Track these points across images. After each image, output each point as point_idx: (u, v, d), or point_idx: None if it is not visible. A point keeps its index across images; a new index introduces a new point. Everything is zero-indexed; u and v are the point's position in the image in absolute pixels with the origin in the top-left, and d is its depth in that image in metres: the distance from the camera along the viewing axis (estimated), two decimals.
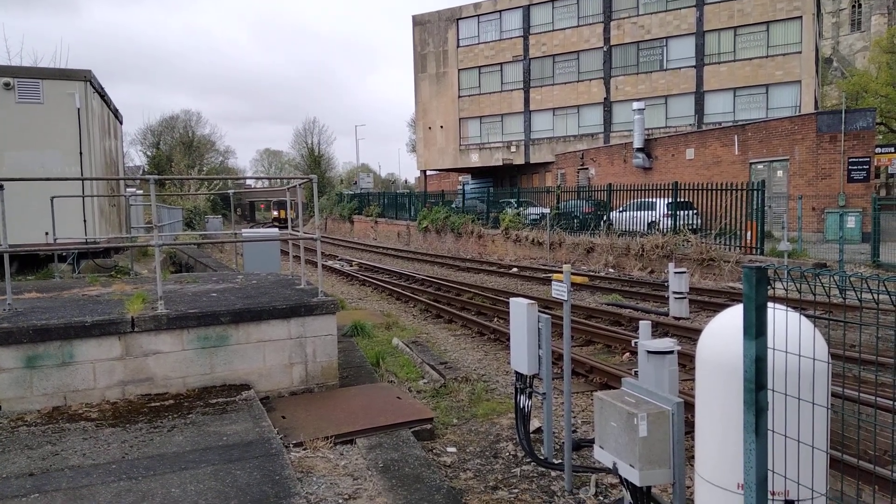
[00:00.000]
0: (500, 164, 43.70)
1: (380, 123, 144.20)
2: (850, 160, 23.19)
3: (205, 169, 66.36)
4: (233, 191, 17.91)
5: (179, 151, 65.07)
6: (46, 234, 10.76)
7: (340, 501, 4.43)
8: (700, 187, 19.76)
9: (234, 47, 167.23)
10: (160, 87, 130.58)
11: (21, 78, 12.12)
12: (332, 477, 4.79)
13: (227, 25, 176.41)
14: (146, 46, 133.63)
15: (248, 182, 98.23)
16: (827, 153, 23.68)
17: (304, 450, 5.23)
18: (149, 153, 68.66)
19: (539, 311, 5.34)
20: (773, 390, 2.57)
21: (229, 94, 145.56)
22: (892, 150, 31.58)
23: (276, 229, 37.87)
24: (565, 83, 40.36)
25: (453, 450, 5.93)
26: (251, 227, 54.55)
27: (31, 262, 12.54)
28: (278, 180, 71.30)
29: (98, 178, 12.52)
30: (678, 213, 19.62)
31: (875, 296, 2.52)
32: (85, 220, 12.42)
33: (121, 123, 18.00)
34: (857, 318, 10.09)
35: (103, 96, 14.43)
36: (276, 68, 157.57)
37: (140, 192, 24.31)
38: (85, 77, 12.59)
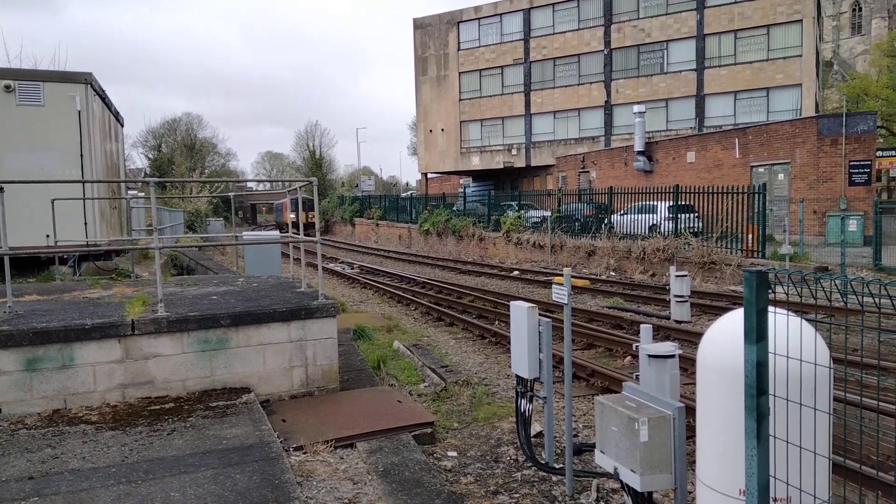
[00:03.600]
0: (501, 167, 43.74)
1: (380, 126, 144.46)
2: (852, 163, 23.17)
3: (206, 171, 66.45)
4: (234, 193, 17.91)
5: (181, 154, 65.11)
6: (47, 236, 10.76)
7: None
8: (701, 190, 19.75)
9: (224, 49, 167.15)
10: (149, 88, 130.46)
11: (22, 80, 12.12)
12: (332, 481, 4.77)
13: (215, 27, 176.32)
14: (131, 47, 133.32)
15: (250, 185, 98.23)
16: (828, 156, 23.66)
17: (304, 454, 5.21)
18: (150, 155, 68.75)
19: (540, 314, 5.33)
20: (775, 395, 2.56)
21: (223, 96, 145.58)
22: (893, 153, 31.57)
23: (277, 232, 37.84)
24: (566, 86, 40.39)
25: (454, 454, 5.91)
26: (252, 230, 54.59)
27: (31, 264, 12.53)
28: (279, 183, 71.28)
29: (99, 181, 12.52)
30: (679, 216, 19.60)
31: (877, 300, 2.51)
32: (86, 223, 12.41)
33: (122, 126, 18.02)
34: (859, 322, 10.06)
35: (104, 99, 14.44)
36: (269, 70, 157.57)
37: (141, 194, 24.35)
38: (86, 80, 12.59)
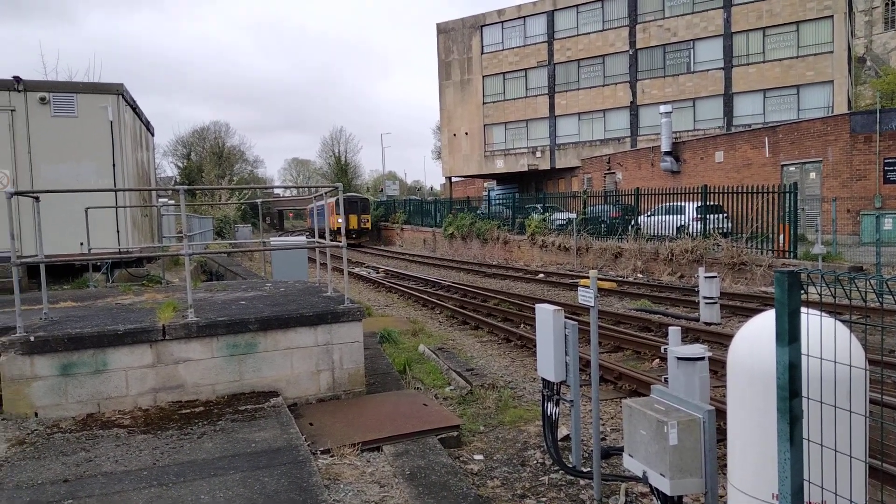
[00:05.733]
0: (526, 169, 43.60)
1: (405, 131, 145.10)
2: (886, 161, 22.60)
3: (234, 179, 67.42)
4: (261, 200, 18.09)
5: (210, 162, 66.22)
6: (81, 244, 11.01)
7: None
8: (730, 190, 19.44)
9: (246, 57, 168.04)
10: (175, 98, 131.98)
11: (56, 92, 12.44)
12: (358, 484, 4.79)
13: (236, 36, 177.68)
14: (150, 56, 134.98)
15: (277, 191, 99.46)
16: (861, 154, 23.11)
17: (332, 457, 5.24)
18: (180, 164, 70.03)
19: (566, 317, 5.29)
20: (808, 398, 2.50)
21: (248, 105, 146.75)
22: None
23: (304, 237, 37.91)
24: (591, 87, 40.14)
25: (480, 457, 5.89)
26: (280, 236, 54.98)
27: (66, 271, 12.84)
28: (311, 187, 71.99)
29: (130, 189, 12.79)
30: (708, 216, 19.31)
31: None
32: (118, 231, 12.67)
33: (152, 135, 18.37)
34: (895, 322, 9.81)
35: (135, 109, 14.74)
36: (292, 77, 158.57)
37: (171, 202, 24.78)
38: (117, 91, 12.88)
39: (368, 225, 45.41)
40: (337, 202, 42.63)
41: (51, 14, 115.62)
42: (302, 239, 28.61)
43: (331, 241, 8.18)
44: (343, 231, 7.85)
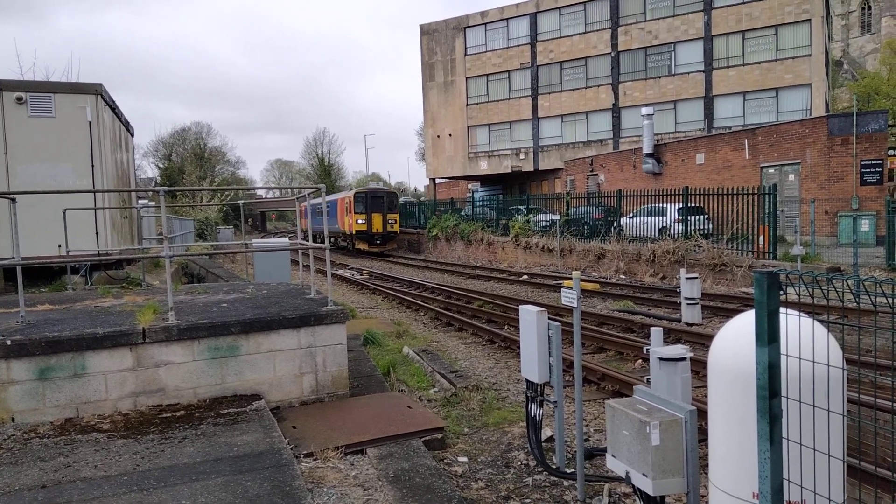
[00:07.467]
0: (510, 171, 43.73)
1: (388, 132, 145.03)
2: (863, 163, 22.98)
3: (216, 180, 66.84)
4: (243, 201, 17.95)
5: (191, 163, 65.58)
6: (59, 246, 10.85)
7: None
8: (711, 192, 19.64)
9: (220, 56, 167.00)
10: (149, 96, 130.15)
11: (33, 92, 12.25)
12: (342, 487, 4.77)
13: (215, 37, 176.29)
14: (129, 56, 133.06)
15: (259, 192, 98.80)
16: (839, 156, 23.48)
17: (315, 460, 5.21)
18: (161, 165, 69.31)
19: (549, 318, 5.31)
20: (788, 397, 2.53)
21: (223, 104, 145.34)
22: None
23: (287, 239, 37.43)
24: (573, 90, 40.37)
25: (464, 459, 5.89)
26: (262, 238, 54.47)
27: (43, 274, 12.64)
28: (289, 190, 71.59)
29: (109, 191, 12.62)
30: (689, 218, 19.50)
31: (890, 299, 2.48)
32: (97, 233, 12.51)
33: (132, 135, 18.15)
34: (872, 322, 9.96)
35: (114, 109, 14.56)
36: (274, 79, 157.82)
37: (152, 203, 24.51)
38: (96, 91, 12.71)
39: (397, 227, 36.38)
40: (356, 196, 35.20)
41: (19, 10, 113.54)
42: (285, 241, 28.43)
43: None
44: (326, 234, 7.77)
